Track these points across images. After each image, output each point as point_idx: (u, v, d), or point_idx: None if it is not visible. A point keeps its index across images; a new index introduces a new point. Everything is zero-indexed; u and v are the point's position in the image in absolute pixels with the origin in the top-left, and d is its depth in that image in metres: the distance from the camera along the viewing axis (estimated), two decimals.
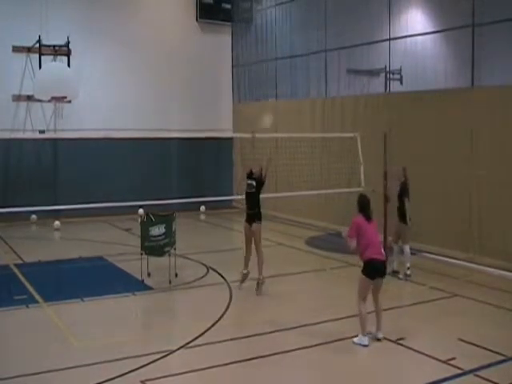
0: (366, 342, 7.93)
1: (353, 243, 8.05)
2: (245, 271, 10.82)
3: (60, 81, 16.37)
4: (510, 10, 12.32)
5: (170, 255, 11.05)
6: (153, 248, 10.94)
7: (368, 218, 8.18)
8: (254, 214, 10.58)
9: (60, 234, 17.08)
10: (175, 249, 11.21)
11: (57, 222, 17.42)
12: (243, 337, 8.35)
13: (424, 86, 14.45)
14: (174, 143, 19.81)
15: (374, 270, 7.98)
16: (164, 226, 10.91)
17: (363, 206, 8.29)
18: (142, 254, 11.05)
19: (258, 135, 17.81)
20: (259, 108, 20.20)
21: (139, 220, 11.37)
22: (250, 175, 10.81)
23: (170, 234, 10.98)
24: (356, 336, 8.05)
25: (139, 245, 11.15)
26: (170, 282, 10.95)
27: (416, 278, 11.51)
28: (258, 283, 10.59)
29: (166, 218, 11.11)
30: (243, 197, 11.02)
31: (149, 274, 11.18)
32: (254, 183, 10.67)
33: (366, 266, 8.00)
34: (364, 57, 16.41)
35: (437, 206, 13.34)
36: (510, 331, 8.75)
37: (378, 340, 8.05)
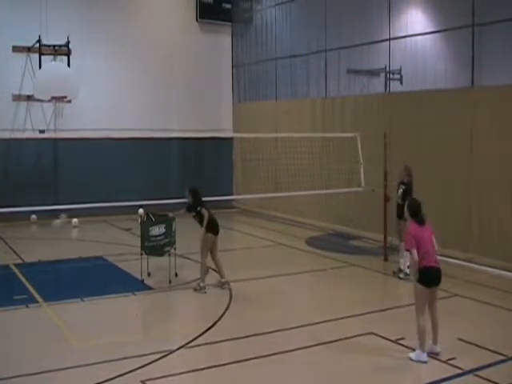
0: (425, 359, 7.44)
1: (414, 255, 7.57)
2: (223, 280, 10.91)
3: (60, 81, 16.38)
4: (510, 10, 12.31)
5: (169, 255, 11.05)
6: (153, 248, 10.94)
7: (421, 222, 7.78)
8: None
9: (78, 232, 17.13)
10: (175, 249, 11.21)
11: (75, 220, 17.47)
12: (243, 337, 8.34)
13: (424, 85, 14.44)
14: (174, 143, 19.81)
15: (431, 277, 7.57)
16: (164, 225, 10.92)
17: (415, 210, 7.85)
18: (141, 254, 11.04)
19: (258, 135, 17.91)
20: (259, 108, 20.24)
21: (139, 220, 11.35)
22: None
23: (170, 233, 10.99)
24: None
25: (139, 245, 11.14)
26: (170, 282, 10.95)
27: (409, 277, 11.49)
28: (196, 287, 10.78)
29: (166, 217, 11.11)
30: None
31: (149, 274, 11.18)
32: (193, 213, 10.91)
33: (423, 274, 7.56)
34: (364, 57, 16.41)
35: (437, 206, 13.31)
36: (510, 331, 8.75)
37: (437, 354, 7.57)
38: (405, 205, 11.42)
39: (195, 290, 10.64)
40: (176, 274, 11.21)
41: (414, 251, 7.59)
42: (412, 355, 7.56)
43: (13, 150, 17.90)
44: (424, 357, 7.47)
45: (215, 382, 7.07)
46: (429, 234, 7.79)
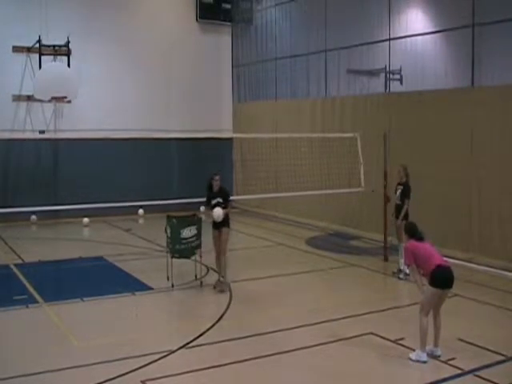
0: (425, 359, 7.42)
1: (414, 269, 7.61)
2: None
3: (60, 81, 16.37)
4: (510, 10, 12.31)
5: (201, 256, 10.98)
6: (184, 250, 10.76)
7: (420, 239, 7.77)
8: (223, 221, 10.62)
9: (78, 232, 17.14)
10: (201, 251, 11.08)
11: (86, 219, 17.49)
12: (243, 337, 8.34)
13: (424, 86, 14.44)
14: (174, 143, 19.80)
15: (444, 278, 7.43)
16: (196, 227, 10.78)
17: (412, 232, 7.87)
18: (172, 257, 10.85)
19: (258, 135, 17.90)
20: (259, 108, 20.25)
21: (167, 223, 10.86)
22: (211, 189, 10.73)
23: (200, 235, 10.89)
24: (413, 351, 7.65)
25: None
26: (168, 279, 10.89)
27: (407, 277, 11.50)
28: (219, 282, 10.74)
29: (196, 219, 10.94)
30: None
31: (168, 278, 10.92)
32: (220, 200, 10.61)
33: (434, 275, 7.40)
34: (364, 57, 16.40)
35: (437, 206, 13.34)
36: (510, 331, 8.75)
37: (438, 357, 7.53)
38: (403, 205, 11.60)
39: (215, 287, 10.66)
40: (201, 283, 11.07)
41: (414, 266, 7.62)
42: (412, 355, 7.55)
43: (13, 150, 17.91)
44: (424, 357, 7.46)
45: (215, 382, 7.06)
46: (430, 245, 7.81)
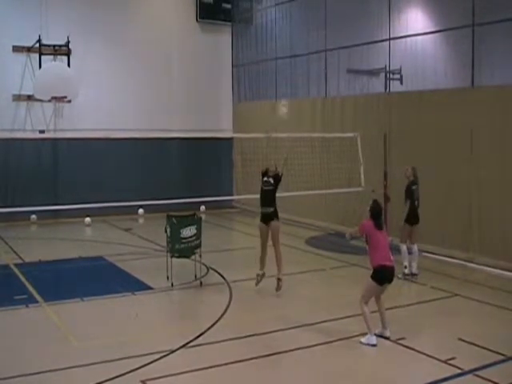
0: (374, 342, 7.93)
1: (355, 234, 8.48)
2: (261, 272, 10.85)
3: (60, 81, 16.36)
4: (510, 10, 12.31)
5: (200, 256, 11.00)
6: (184, 250, 10.78)
7: (379, 227, 8.20)
8: (271, 212, 10.65)
9: (91, 231, 17.18)
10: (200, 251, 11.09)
11: (87, 219, 17.51)
12: (243, 337, 8.35)
13: (424, 85, 14.44)
14: (174, 143, 19.81)
15: (384, 276, 8.07)
16: (195, 226, 10.82)
17: (375, 214, 8.25)
18: (172, 257, 10.88)
19: (258, 135, 17.89)
20: (259, 108, 20.25)
21: (167, 222, 10.87)
22: (265, 174, 10.99)
23: (200, 234, 10.92)
24: (363, 335, 8.05)
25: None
26: (168, 279, 10.90)
27: (416, 277, 11.53)
28: (278, 281, 10.67)
29: (196, 218, 10.96)
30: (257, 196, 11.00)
31: (168, 278, 10.96)
32: (271, 180, 10.81)
33: (376, 272, 8.06)
34: (364, 57, 16.39)
35: (437, 206, 13.33)
36: (510, 331, 8.75)
37: (387, 338, 8.12)
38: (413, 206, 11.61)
39: (257, 284, 10.77)
40: (201, 283, 11.11)
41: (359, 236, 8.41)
42: (363, 339, 7.98)
43: (13, 150, 17.90)
44: (373, 339, 7.93)
45: (215, 382, 7.06)
46: (384, 236, 8.26)
